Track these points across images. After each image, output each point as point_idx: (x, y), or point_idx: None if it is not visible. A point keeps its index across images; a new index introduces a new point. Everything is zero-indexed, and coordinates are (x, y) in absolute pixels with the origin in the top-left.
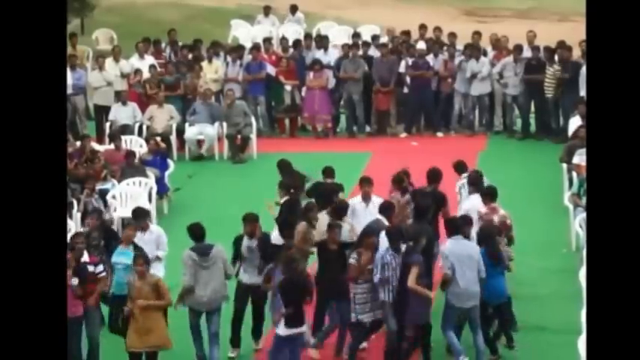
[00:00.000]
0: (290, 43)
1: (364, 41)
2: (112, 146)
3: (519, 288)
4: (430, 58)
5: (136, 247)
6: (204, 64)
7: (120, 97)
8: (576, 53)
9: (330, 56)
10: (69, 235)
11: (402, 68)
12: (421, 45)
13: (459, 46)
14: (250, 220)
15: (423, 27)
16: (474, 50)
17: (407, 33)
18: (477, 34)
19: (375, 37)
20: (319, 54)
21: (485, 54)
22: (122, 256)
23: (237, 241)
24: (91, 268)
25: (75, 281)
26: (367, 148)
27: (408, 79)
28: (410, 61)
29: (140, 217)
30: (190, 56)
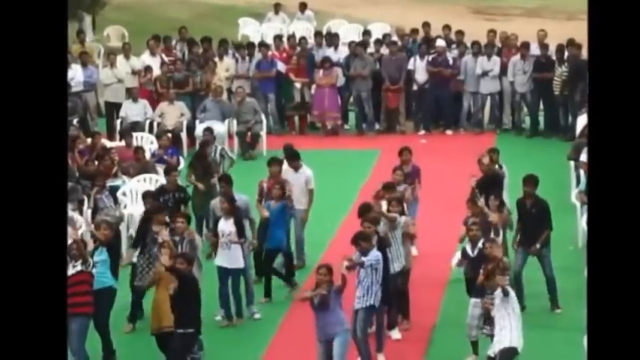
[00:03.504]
0: (297, 40)
1: (375, 39)
2: (123, 143)
3: (526, 285)
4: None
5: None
6: (216, 61)
7: (131, 94)
8: (586, 51)
9: (340, 54)
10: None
11: (410, 65)
12: (440, 42)
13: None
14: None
15: (426, 25)
16: (486, 48)
17: (415, 31)
18: (492, 32)
19: (385, 36)
20: (329, 52)
21: (499, 53)
22: (102, 255)
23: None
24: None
25: None
26: (376, 145)
27: (417, 77)
28: (429, 57)
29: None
30: (201, 51)
